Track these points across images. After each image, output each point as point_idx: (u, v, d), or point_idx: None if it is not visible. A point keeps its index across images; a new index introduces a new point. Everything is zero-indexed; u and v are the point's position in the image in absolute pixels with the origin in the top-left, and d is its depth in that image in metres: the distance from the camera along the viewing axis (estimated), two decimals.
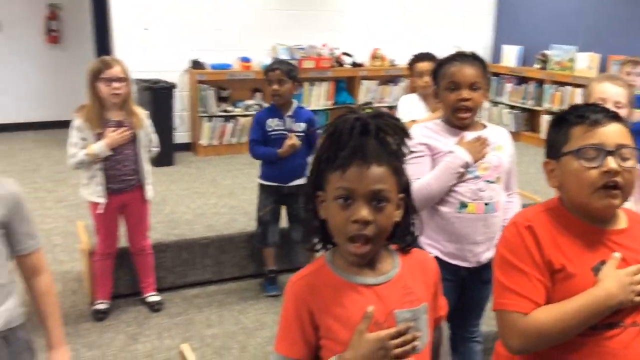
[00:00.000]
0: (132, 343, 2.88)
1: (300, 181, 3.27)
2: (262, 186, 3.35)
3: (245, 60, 6.23)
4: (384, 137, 1.16)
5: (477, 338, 2.29)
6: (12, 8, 6.49)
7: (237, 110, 6.24)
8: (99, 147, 2.85)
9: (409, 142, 1.19)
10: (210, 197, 4.80)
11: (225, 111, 6.18)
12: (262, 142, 3.23)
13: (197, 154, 6.14)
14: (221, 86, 6.16)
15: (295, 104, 3.27)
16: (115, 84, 2.86)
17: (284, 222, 3.43)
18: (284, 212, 3.40)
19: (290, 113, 3.22)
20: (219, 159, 6.05)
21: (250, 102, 6.31)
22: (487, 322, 2.36)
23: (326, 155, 1.16)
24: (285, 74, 3.12)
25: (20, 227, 1.49)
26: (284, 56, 6.26)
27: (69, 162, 2.89)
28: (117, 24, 5.71)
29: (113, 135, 2.88)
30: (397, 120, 1.20)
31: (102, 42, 6.58)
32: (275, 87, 3.13)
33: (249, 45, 6.26)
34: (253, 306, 3.27)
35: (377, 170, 1.12)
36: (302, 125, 3.24)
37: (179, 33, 5.95)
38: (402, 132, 1.18)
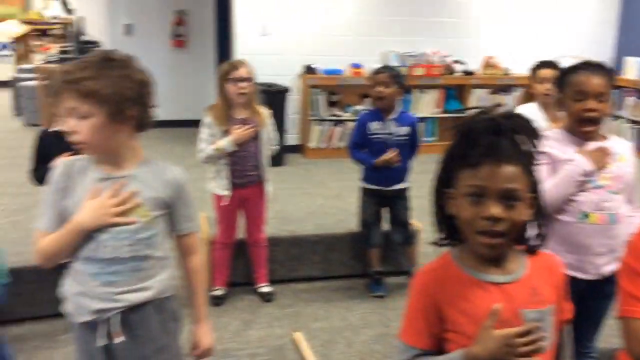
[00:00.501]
0: (245, 329, 3.05)
1: (402, 185, 3.34)
2: (364, 189, 3.42)
3: (357, 66, 6.36)
4: (516, 137, 1.20)
5: (592, 353, 2.24)
6: (142, 14, 7.02)
7: (346, 115, 6.38)
8: (226, 143, 3.06)
9: (539, 144, 1.22)
10: (318, 197, 4.96)
11: (335, 115, 6.34)
12: (362, 145, 3.31)
13: (305, 156, 6.34)
14: (332, 91, 6.33)
15: (399, 108, 3.32)
16: (242, 84, 3.06)
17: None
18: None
19: (393, 117, 3.28)
20: (327, 161, 6.21)
21: (359, 107, 6.43)
22: (604, 339, 2.30)
23: (458, 154, 1.22)
24: (391, 78, 3.18)
25: (181, 210, 1.66)
26: (395, 63, 6.33)
27: (198, 156, 3.12)
28: (238, 30, 6.04)
29: (238, 132, 3.08)
30: (529, 121, 1.23)
31: (223, 47, 6.98)
32: (380, 89, 3.20)
33: (361, 52, 6.38)
34: (359, 305, 3.36)
35: (509, 169, 1.16)
36: (404, 129, 3.29)
37: (295, 39, 6.19)
38: (534, 133, 1.22)
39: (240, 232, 3.35)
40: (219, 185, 3.13)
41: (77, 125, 1.51)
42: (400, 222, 3.41)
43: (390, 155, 3.22)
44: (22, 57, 11.09)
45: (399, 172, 3.31)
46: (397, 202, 3.37)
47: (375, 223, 3.41)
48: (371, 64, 6.38)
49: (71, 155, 2.57)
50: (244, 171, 3.14)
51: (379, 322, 3.18)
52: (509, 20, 6.75)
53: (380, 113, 3.28)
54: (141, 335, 1.64)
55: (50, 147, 2.77)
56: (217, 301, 3.26)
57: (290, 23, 6.15)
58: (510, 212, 1.16)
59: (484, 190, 1.17)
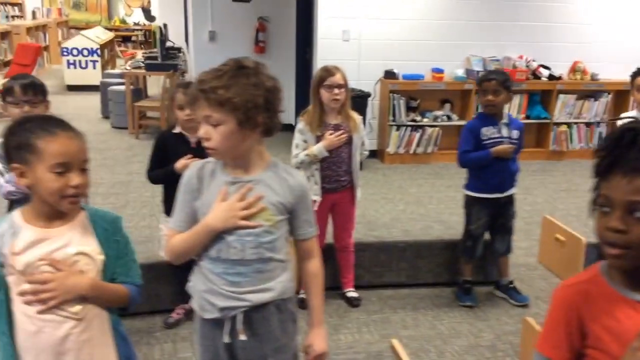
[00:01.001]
0: (334, 333, 3.06)
1: (513, 190, 3.29)
2: (474, 199, 3.31)
3: (438, 71, 6.29)
4: None
5: None
6: (226, 21, 7.20)
7: (425, 121, 6.32)
8: (318, 149, 3.08)
9: None
10: (399, 203, 4.94)
11: (414, 121, 6.29)
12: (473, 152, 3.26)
13: (383, 161, 6.32)
14: (411, 96, 6.28)
15: (507, 112, 3.26)
16: (336, 90, 3.08)
17: None
18: None
19: (505, 121, 3.22)
20: (405, 167, 6.17)
21: (438, 112, 6.36)
22: None
23: (602, 162, 1.18)
24: (501, 84, 3.12)
25: (302, 215, 1.69)
26: (477, 67, 6.22)
27: (291, 162, 3.16)
28: (320, 35, 6.10)
29: (331, 138, 3.10)
30: None
31: (303, 52, 7.06)
32: (490, 97, 3.14)
33: (442, 56, 6.31)
34: (447, 314, 3.31)
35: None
36: (515, 133, 3.23)
37: (376, 44, 6.18)
38: None
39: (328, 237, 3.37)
40: (310, 190, 3.16)
41: (209, 132, 1.56)
42: (507, 231, 3.34)
43: (506, 145, 3.17)
44: (107, 63, 11.61)
45: (511, 176, 3.27)
46: (507, 208, 3.31)
47: (483, 234, 3.34)
48: (452, 69, 6.34)
49: (191, 158, 2.69)
50: (335, 176, 3.16)
51: (469, 332, 3.12)
52: (597, 24, 6.50)
53: (490, 118, 3.23)
54: (262, 334, 1.69)
55: (169, 149, 2.88)
56: (303, 304, 3.28)
57: (371, 28, 6.16)
58: (636, 225, 1.11)
59: (610, 201, 1.13)
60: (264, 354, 1.70)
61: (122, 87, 7.45)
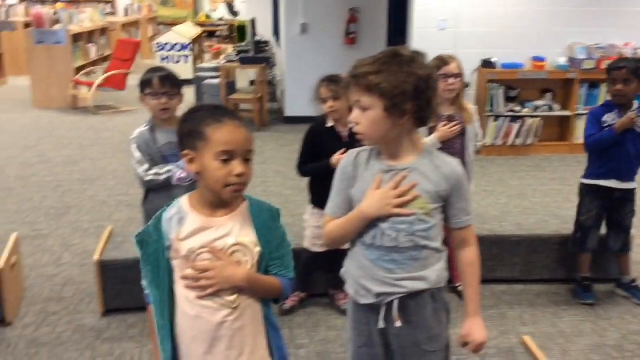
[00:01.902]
0: (451, 327, 3.01)
1: (633, 184, 3.12)
2: (587, 189, 3.20)
3: (538, 59, 6.05)
4: None
5: None
6: (317, 13, 7.22)
7: (525, 111, 6.10)
8: (431, 141, 3.03)
9: None
10: (500, 196, 4.80)
11: (513, 111, 6.09)
12: None
13: (480, 152, 6.16)
14: (510, 85, 6.08)
15: (636, 104, 3.08)
16: (451, 80, 3.01)
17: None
18: None
19: (634, 109, 3.05)
20: (503, 159, 5.99)
21: (539, 102, 6.12)
22: None
23: None
24: (632, 73, 2.96)
25: (458, 203, 1.66)
26: (581, 56, 5.94)
27: None
28: (416, 24, 6.00)
29: (444, 130, 3.03)
30: None
31: (394, 43, 6.97)
32: (620, 87, 2.99)
33: (543, 44, 6.07)
34: (567, 311, 3.18)
35: None
36: None
37: (473, 33, 6.02)
38: None
39: None
40: None
41: (359, 116, 1.59)
42: (624, 229, 3.18)
43: (631, 113, 2.99)
44: (197, 57, 11.92)
45: (633, 166, 3.10)
46: (625, 204, 3.14)
47: (595, 227, 3.20)
48: (554, 57, 6.08)
49: (344, 152, 2.71)
50: None
51: (593, 331, 2.99)
52: None
53: (616, 106, 3.08)
54: (416, 322, 1.69)
55: (320, 142, 2.91)
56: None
57: (468, 16, 6.00)
58: None
59: None
60: (417, 342, 1.71)
61: (215, 81, 7.64)
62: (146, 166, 2.65)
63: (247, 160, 1.51)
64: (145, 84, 2.64)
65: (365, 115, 1.57)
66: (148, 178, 2.64)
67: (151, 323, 1.65)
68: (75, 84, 8.45)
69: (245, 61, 7.45)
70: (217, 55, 12.78)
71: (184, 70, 10.60)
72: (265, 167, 5.74)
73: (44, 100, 8.43)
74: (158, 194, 2.71)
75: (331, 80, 2.86)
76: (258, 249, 1.55)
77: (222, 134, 1.47)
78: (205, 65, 9.46)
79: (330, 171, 2.62)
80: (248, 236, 1.55)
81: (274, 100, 8.69)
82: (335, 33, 7.27)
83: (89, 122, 7.66)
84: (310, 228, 3.00)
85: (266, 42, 9.17)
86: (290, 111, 7.47)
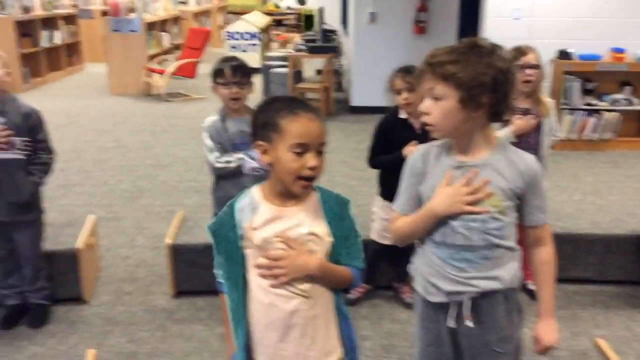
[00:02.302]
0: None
1: None
2: None
3: (618, 50, 5.77)
4: None
5: None
6: (386, 1, 7.13)
7: (602, 104, 5.84)
8: (505, 134, 2.94)
9: None
10: (574, 192, 4.63)
11: (589, 104, 5.84)
12: None
13: (553, 147, 5.93)
14: (587, 78, 5.83)
15: None
16: (528, 71, 2.92)
17: None
18: None
19: None
20: (578, 154, 5.77)
21: (617, 96, 5.84)
22: None
23: None
24: None
25: (533, 201, 1.61)
26: None
27: None
28: (489, 14, 5.84)
29: (519, 123, 2.94)
30: None
31: (465, 33, 6.82)
32: None
33: (624, 35, 5.78)
34: None
35: None
36: None
37: (549, 23, 5.81)
38: None
39: None
40: None
41: (430, 106, 1.56)
42: None
43: None
44: (265, 46, 12.05)
45: None
46: None
47: None
48: (635, 49, 5.78)
49: (416, 144, 2.70)
50: None
51: None
52: None
53: None
54: (487, 322, 1.65)
55: (392, 134, 2.90)
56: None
57: (544, 5, 5.79)
58: None
59: None
60: (487, 342, 1.67)
61: (283, 70, 7.70)
62: (217, 154, 2.71)
63: (320, 152, 1.50)
64: (217, 73, 2.69)
65: (437, 106, 1.54)
66: (218, 165, 2.70)
67: (224, 311, 1.69)
68: (148, 72, 8.71)
69: (313, 50, 7.47)
70: (284, 44, 12.88)
71: (252, 59, 10.75)
72: (330, 157, 5.68)
73: (119, 87, 8.75)
74: (227, 181, 2.77)
75: (406, 71, 2.83)
76: (329, 239, 1.55)
77: (296, 126, 1.46)
78: (272, 54, 9.56)
79: (402, 164, 2.58)
80: (320, 226, 1.55)
81: (339, 89, 8.68)
82: (404, 22, 7.17)
83: (161, 109, 7.90)
84: (379, 220, 2.99)
85: (333, 31, 9.16)
86: (356, 101, 7.44)
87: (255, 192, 1.59)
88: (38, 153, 2.76)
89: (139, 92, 8.73)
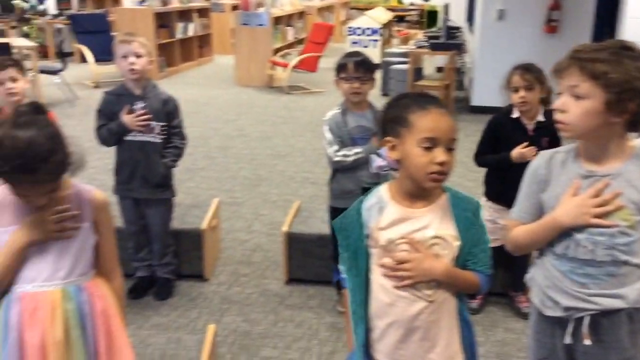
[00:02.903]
0: None
1: None
2: None
3: None
4: None
5: None
6: None
7: None
8: None
9: None
10: None
11: None
12: None
13: None
14: None
15: None
16: None
17: None
18: None
19: None
20: None
21: None
22: None
23: None
24: None
25: None
26: None
27: None
28: (629, 13, 5.44)
29: None
30: None
31: (600, 34, 6.42)
32: None
33: None
34: None
35: None
36: None
37: None
38: None
39: None
40: None
41: (568, 104, 1.48)
42: None
43: None
44: (385, 42, 12.04)
45: None
46: None
47: None
48: None
49: (527, 146, 2.64)
50: None
51: None
52: None
53: None
54: (608, 342, 1.57)
55: (503, 133, 2.84)
56: None
57: None
58: None
59: None
60: None
61: (403, 66, 7.66)
62: (335, 147, 2.77)
63: (450, 149, 1.47)
64: (340, 68, 2.74)
65: (577, 104, 1.46)
66: (336, 159, 2.76)
67: (346, 305, 1.71)
68: (273, 65, 9.01)
69: (436, 47, 7.37)
70: (405, 40, 12.79)
71: (372, 54, 10.77)
72: None
73: (244, 78, 9.13)
74: (344, 174, 2.83)
75: (526, 69, 2.75)
76: (457, 243, 1.51)
77: (426, 121, 1.45)
78: (393, 50, 9.54)
79: (508, 164, 2.50)
80: (448, 229, 1.52)
81: (460, 88, 8.49)
82: (535, 20, 6.87)
83: (282, 101, 8.16)
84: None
85: (458, 28, 8.97)
86: (477, 100, 7.25)
87: (383, 192, 1.58)
88: (172, 138, 2.97)
89: (262, 84, 9.06)
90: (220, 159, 5.53)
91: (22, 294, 1.49)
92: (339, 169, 2.83)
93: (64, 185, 1.58)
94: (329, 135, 2.79)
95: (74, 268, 1.53)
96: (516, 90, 2.74)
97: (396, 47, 10.04)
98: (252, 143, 6.09)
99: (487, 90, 7.07)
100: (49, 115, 2.88)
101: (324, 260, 3.21)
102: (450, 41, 7.54)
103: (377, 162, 2.61)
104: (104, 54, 8.71)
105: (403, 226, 1.52)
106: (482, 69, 7.11)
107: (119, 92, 2.96)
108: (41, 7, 10.57)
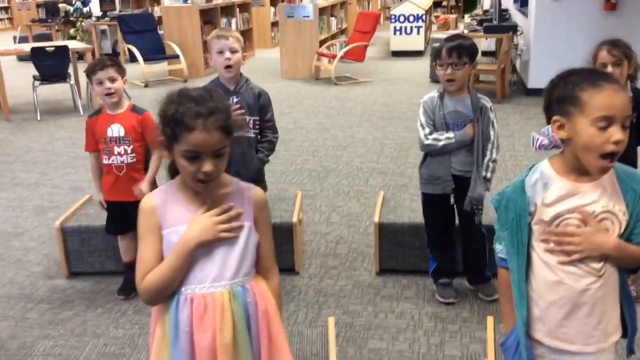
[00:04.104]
0: None
1: None
2: None
3: None
4: None
5: None
6: None
7: None
8: None
9: None
10: None
11: None
12: None
13: None
14: None
15: None
16: None
17: None
18: None
19: None
20: None
21: None
22: None
23: None
24: None
25: None
26: None
27: None
28: None
29: None
30: None
31: None
32: None
33: None
34: None
35: None
36: None
37: None
38: None
39: None
40: None
41: None
42: None
43: None
44: (427, 28, 11.88)
45: None
46: None
47: None
48: None
49: None
50: None
51: None
52: None
53: None
54: None
55: None
56: None
57: None
58: None
59: None
60: None
61: None
62: (427, 130, 2.73)
63: (624, 127, 1.40)
64: (436, 54, 2.71)
65: None
66: (426, 142, 2.73)
67: (502, 286, 1.67)
68: (319, 56, 8.97)
69: (489, 30, 7.23)
70: (444, 25, 12.60)
71: (416, 41, 10.70)
72: (512, 140, 5.56)
73: (290, 71, 9.11)
74: (434, 159, 2.79)
75: (613, 44, 2.70)
76: (626, 217, 1.48)
77: (600, 98, 1.39)
78: (439, 35, 9.39)
79: None
80: (618, 204, 1.48)
81: (512, 71, 8.33)
82: None
83: (331, 92, 8.11)
84: None
85: (506, 10, 8.78)
86: (533, 82, 7.10)
87: (545, 168, 1.54)
88: (265, 132, 2.95)
89: (308, 76, 9.03)
90: (282, 152, 5.51)
91: (191, 295, 1.47)
92: (430, 154, 2.79)
93: (225, 182, 1.57)
94: (422, 118, 2.75)
95: (240, 268, 1.51)
96: (604, 65, 2.67)
97: (442, 33, 9.89)
98: (311, 135, 6.06)
99: (544, 72, 6.85)
100: (146, 115, 2.92)
101: (415, 250, 3.17)
102: (502, 23, 7.38)
103: (540, 140, 2.53)
104: (152, 53, 8.81)
105: (571, 201, 1.48)
106: (538, 51, 6.95)
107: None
108: (85, 10, 10.69)
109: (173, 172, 1.55)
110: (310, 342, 2.63)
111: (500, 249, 1.63)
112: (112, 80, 2.80)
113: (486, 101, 2.78)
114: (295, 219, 3.23)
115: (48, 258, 3.55)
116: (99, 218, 3.26)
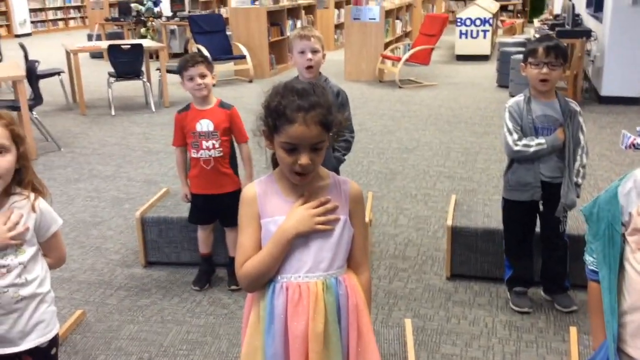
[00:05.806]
0: None
1: None
2: None
3: None
4: None
5: None
6: None
7: None
8: None
9: None
10: None
11: None
12: None
13: None
14: None
15: None
16: None
17: None
18: None
19: None
20: None
21: None
22: None
23: None
24: None
25: None
26: None
27: None
28: None
29: None
30: None
31: None
32: None
33: None
34: None
35: None
36: None
37: None
38: None
39: None
40: None
41: None
42: None
43: None
44: (493, 32, 11.68)
45: None
46: None
47: None
48: None
49: None
50: None
51: None
52: None
53: None
54: None
55: None
56: None
57: None
58: None
59: None
60: None
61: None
62: (515, 136, 2.67)
63: None
64: (530, 53, 2.65)
65: None
66: (516, 148, 2.67)
67: (592, 300, 1.61)
68: (383, 59, 8.95)
69: (561, 34, 7.03)
70: (510, 30, 12.34)
71: (482, 45, 10.53)
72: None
73: (354, 73, 9.13)
74: (522, 165, 2.73)
75: None
76: None
77: None
78: (506, 39, 9.22)
79: None
80: None
81: (584, 77, 8.08)
82: None
83: (395, 95, 8.08)
84: None
85: (578, 15, 8.53)
86: (607, 90, 6.87)
87: (639, 175, 1.48)
88: (342, 131, 2.96)
89: (372, 78, 9.02)
90: (349, 153, 5.52)
91: (287, 284, 1.51)
92: (518, 160, 2.74)
93: (322, 175, 1.59)
94: (509, 123, 2.70)
95: (334, 260, 1.53)
96: None
97: (509, 37, 9.70)
98: (376, 137, 6.05)
99: (618, 80, 6.69)
100: (234, 110, 3.00)
101: (489, 256, 3.12)
102: (576, 28, 7.18)
103: (632, 138, 2.45)
104: (220, 53, 8.99)
105: None
106: (613, 57, 6.72)
107: None
108: (156, 10, 11.02)
109: (275, 162, 1.59)
110: (388, 342, 2.63)
111: (591, 260, 1.57)
112: (203, 76, 2.88)
113: (575, 105, 2.71)
114: (367, 219, 3.23)
115: (125, 247, 3.69)
116: (177, 210, 3.36)
